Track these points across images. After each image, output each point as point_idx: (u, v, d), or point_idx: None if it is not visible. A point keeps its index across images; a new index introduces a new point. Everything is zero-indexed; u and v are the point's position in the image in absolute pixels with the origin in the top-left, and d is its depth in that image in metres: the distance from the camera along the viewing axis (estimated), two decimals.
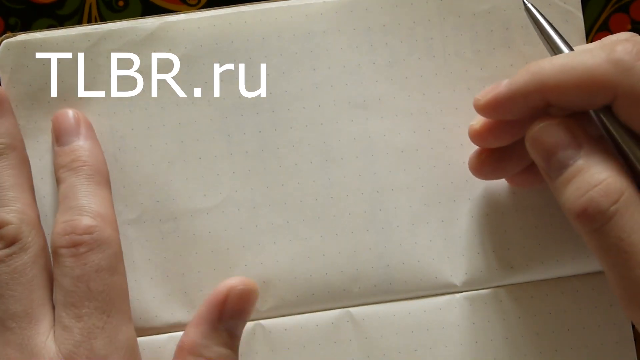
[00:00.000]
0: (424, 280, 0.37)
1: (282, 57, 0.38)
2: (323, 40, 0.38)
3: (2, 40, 0.37)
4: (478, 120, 0.34)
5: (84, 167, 0.35)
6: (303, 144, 0.38)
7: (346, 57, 0.38)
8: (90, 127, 0.37)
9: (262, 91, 0.38)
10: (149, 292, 0.37)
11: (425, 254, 0.37)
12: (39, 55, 0.37)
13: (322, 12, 0.38)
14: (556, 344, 0.37)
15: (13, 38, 0.37)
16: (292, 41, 0.38)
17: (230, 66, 0.38)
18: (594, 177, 0.29)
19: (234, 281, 0.35)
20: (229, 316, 0.34)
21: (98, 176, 0.35)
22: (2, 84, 0.37)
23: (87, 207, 0.34)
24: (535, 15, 0.33)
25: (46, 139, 0.37)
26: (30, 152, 0.37)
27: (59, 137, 0.36)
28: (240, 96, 0.38)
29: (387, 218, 0.37)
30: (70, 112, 0.36)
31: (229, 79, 0.38)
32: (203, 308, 0.35)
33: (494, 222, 0.37)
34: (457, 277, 0.37)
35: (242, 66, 0.38)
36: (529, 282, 0.37)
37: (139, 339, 0.36)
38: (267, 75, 0.38)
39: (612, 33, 0.39)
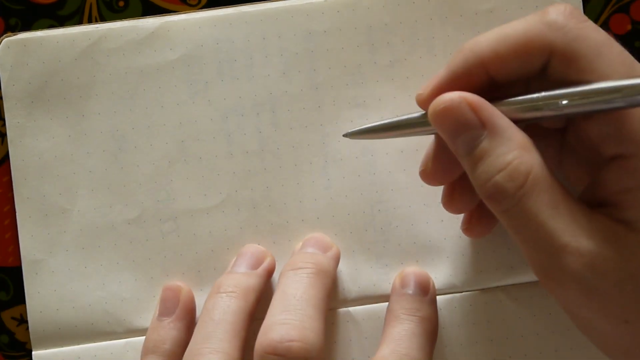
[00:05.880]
0: None
1: (282, 57, 0.38)
2: (324, 40, 0.38)
3: (3, 39, 0.37)
4: (427, 162, 0.34)
5: None
6: (303, 144, 0.38)
7: (347, 57, 0.38)
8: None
9: (263, 92, 0.38)
10: (149, 291, 0.37)
11: (424, 254, 0.37)
12: (39, 53, 0.37)
13: (323, 12, 0.38)
14: (556, 344, 0.37)
15: (13, 36, 0.37)
16: (293, 41, 0.38)
17: (230, 66, 0.38)
18: (499, 159, 0.28)
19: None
20: None
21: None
22: (2, 81, 0.37)
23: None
24: (370, 127, 0.33)
25: (45, 137, 0.37)
26: (29, 151, 0.37)
27: None
28: (241, 96, 0.38)
29: (387, 218, 0.37)
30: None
31: (229, 79, 0.38)
32: None
33: None
34: (457, 277, 0.37)
35: (242, 66, 0.38)
36: (529, 282, 0.37)
37: (138, 339, 0.37)
38: (268, 75, 0.38)
39: (612, 33, 0.39)
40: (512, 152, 0.29)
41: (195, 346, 0.32)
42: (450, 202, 0.35)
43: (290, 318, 0.31)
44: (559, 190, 0.29)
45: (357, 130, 0.33)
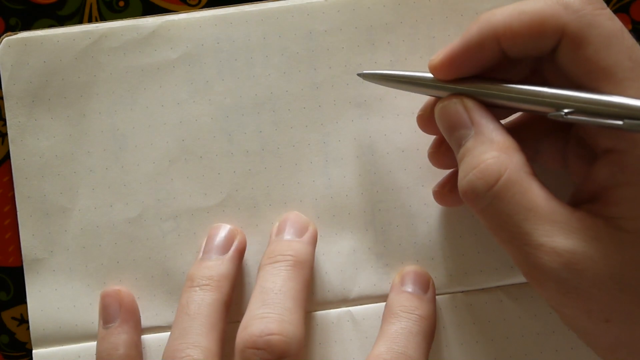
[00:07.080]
0: None
1: (283, 56, 0.38)
2: (324, 40, 0.38)
3: (3, 38, 0.37)
4: (426, 107, 0.34)
5: None
6: (303, 143, 0.38)
7: (347, 57, 0.38)
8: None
9: (263, 91, 0.38)
10: (150, 290, 0.37)
11: (424, 254, 0.37)
12: (39, 52, 0.37)
13: (324, 11, 0.38)
14: (557, 344, 0.37)
15: (14, 35, 0.37)
16: (294, 41, 0.38)
17: (231, 65, 0.38)
18: (474, 158, 0.29)
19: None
20: None
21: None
22: (2, 80, 0.37)
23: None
24: (381, 74, 0.33)
25: (46, 136, 0.37)
26: (30, 151, 0.37)
27: None
28: (241, 95, 0.38)
29: (387, 218, 0.37)
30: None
31: (230, 78, 0.38)
32: None
33: None
34: (457, 277, 0.37)
35: (243, 66, 0.38)
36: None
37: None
38: (268, 75, 0.38)
39: None
40: (489, 152, 0.29)
41: (172, 343, 0.32)
42: (437, 153, 0.35)
43: (269, 312, 0.32)
44: (539, 191, 0.29)
45: (372, 73, 0.33)
